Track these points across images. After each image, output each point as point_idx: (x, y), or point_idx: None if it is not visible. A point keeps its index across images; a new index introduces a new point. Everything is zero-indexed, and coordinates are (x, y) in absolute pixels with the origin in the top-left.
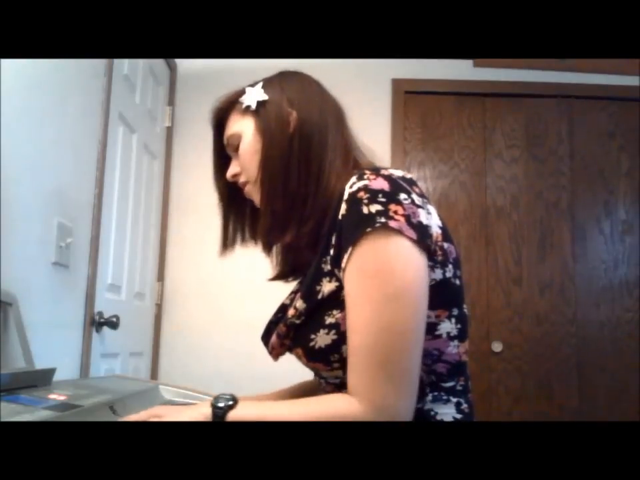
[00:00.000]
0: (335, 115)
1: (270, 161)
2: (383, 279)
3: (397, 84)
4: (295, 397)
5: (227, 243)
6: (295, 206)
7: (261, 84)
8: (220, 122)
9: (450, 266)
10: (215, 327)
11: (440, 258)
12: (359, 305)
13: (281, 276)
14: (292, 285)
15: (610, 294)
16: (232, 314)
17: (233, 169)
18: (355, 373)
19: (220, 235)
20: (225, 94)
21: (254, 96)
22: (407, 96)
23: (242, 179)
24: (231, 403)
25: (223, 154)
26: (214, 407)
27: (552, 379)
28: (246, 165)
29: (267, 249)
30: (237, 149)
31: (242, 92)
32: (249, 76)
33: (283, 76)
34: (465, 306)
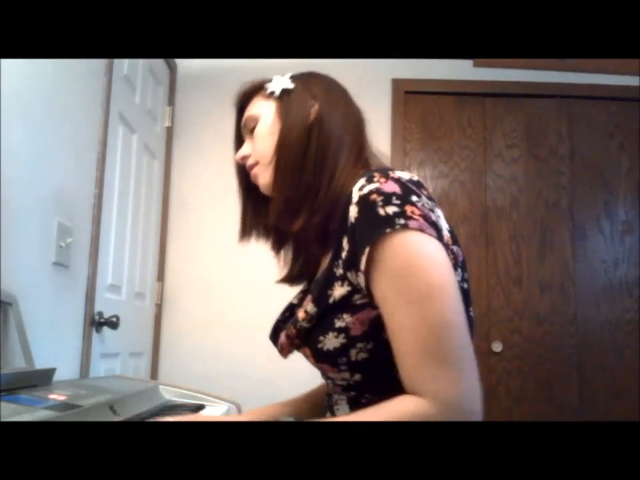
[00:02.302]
0: (356, 119)
1: (286, 146)
2: (418, 277)
3: (397, 84)
4: (308, 404)
5: (245, 231)
6: (308, 195)
7: (289, 74)
8: (242, 106)
9: (459, 270)
10: (215, 327)
11: (452, 262)
12: (401, 306)
13: (289, 279)
14: (293, 287)
15: (610, 294)
16: (232, 314)
17: (243, 151)
18: (415, 373)
19: (239, 222)
20: (252, 80)
21: (280, 83)
22: (407, 96)
23: (251, 161)
24: None
25: (243, 138)
26: None
27: (552, 379)
28: (259, 145)
29: (277, 246)
30: (252, 130)
31: (269, 79)
32: (249, 76)
33: (313, 74)
34: (471, 309)
